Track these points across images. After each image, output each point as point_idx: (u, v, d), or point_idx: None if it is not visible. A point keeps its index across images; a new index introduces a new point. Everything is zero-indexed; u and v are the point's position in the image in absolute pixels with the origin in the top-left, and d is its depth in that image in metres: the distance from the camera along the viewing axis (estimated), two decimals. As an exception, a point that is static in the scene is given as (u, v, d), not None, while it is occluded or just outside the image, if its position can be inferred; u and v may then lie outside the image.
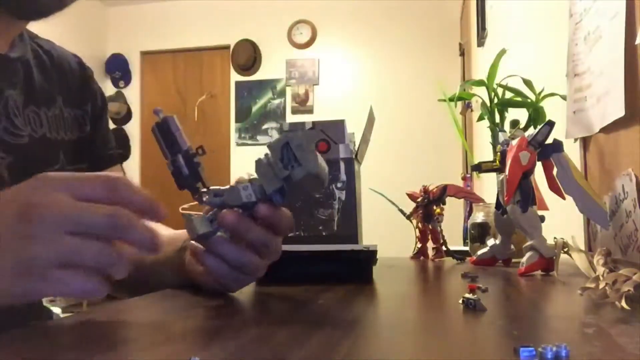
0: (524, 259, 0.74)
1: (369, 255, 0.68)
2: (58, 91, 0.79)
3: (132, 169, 4.94)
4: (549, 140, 0.77)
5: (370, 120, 0.87)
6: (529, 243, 0.75)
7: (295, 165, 0.49)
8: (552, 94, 1.08)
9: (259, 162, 0.51)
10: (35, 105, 0.74)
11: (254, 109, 4.99)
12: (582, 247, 0.88)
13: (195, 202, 0.60)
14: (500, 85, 1.13)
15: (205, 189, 0.52)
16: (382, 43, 4.79)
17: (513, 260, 0.89)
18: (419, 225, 1.04)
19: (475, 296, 0.46)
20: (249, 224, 0.51)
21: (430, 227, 1.03)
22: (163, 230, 0.73)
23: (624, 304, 0.44)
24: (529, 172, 0.77)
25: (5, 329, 0.39)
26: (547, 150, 0.77)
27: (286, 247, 0.71)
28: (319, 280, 0.63)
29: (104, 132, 0.87)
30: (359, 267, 0.69)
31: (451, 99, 1.25)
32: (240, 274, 0.55)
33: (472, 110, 3.15)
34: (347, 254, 0.68)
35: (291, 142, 0.49)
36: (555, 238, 0.76)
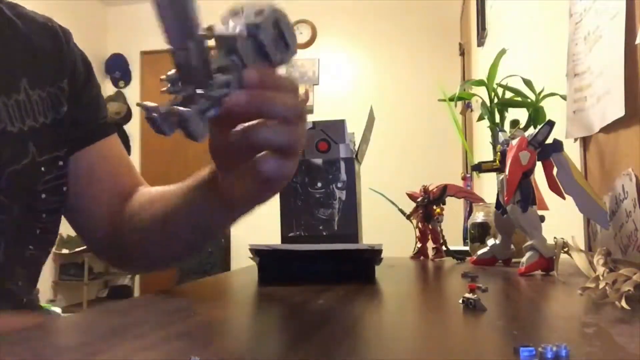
0: (524, 259, 0.74)
1: (374, 255, 0.68)
2: (22, 72, 0.66)
3: (132, 169, 4.95)
4: (549, 140, 0.77)
5: (370, 120, 0.87)
6: (529, 243, 0.75)
7: (284, 49, 0.43)
8: (552, 94, 1.08)
9: (243, 40, 0.42)
10: None
11: (254, 109, 4.98)
12: (582, 247, 0.88)
13: None
14: (500, 85, 1.13)
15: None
16: (382, 43, 4.79)
17: (513, 260, 0.88)
18: (419, 225, 1.04)
19: (475, 296, 0.46)
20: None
21: (430, 227, 1.03)
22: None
23: (624, 304, 0.44)
24: (529, 172, 0.77)
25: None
26: (547, 150, 0.77)
27: (287, 247, 0.71)
28: (320, 280, 0.63)
29: (91, 103, 0.75)
30: (362, 266, 0.69)
31: (451, 99, 1.25)
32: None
33: (472, 110, 3.15)
34: (353, 253, 0.68)
35: (281, 20, 0.42)
36: (555, 238, 0.75)
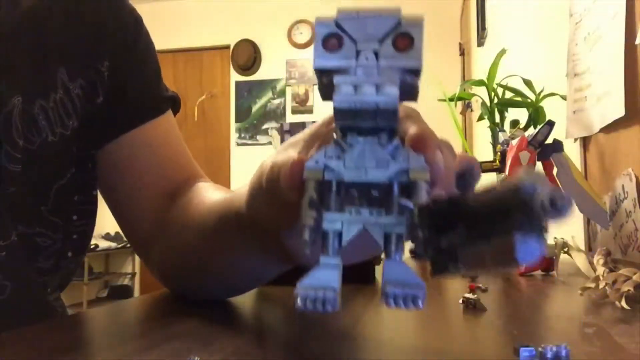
0: (524, 259, 0.74)
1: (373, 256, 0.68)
2: (59, 58, 0.53)
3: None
4: (549, 140, 0.77)
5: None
6: (529, 243, 0.75)
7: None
8: (552, 94, 1.09)
9: None
10: (29, 104, 0.50)
11: (254, 109, 4.99)
12: (582, 247, 0.88)
13: None
14: (500, 85, 1.13)
15: None
16: (382, 43, 4.80)
17: (513, 260, 0.88)
18: (419, 225, 1.04)
19: (475, 296, 0.46)
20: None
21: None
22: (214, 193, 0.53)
23: (624, 304, 0.44)
24: (529, 172, 0.77)
25: (20, 326, 0.39)
26: (547, 150, 0.77)
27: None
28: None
29: (133, 79, 0.59)
30: (362, 266, 0.69)
31: (451, 99, 1.25)
32: None
33: (472, 110, 3.15)
34: None
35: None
36: (555, 238, 0.75)
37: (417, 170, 0.24)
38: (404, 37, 0.24)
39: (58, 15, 0.54)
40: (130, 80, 0.59)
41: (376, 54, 0.24)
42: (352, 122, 0.24)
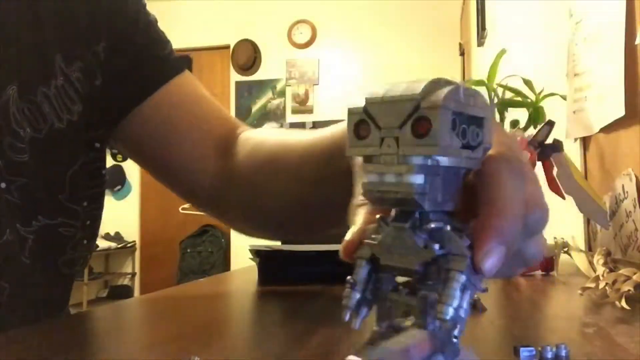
0: (524, 259, 0.74)
1: None
2: (54, 45, 0.53)
3: (132, 169, 4.94)
4: (549, 140, 0.77)
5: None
6: (529, 243, 0.75)
7: None
8: (552, 94, 1.08)
9: None
10: (30, 92, 0.50)
11: (254, 109, 4.99)
12: (582, 247, 0.88)
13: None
14: (500, 85, 1.13)
15: None
16: (382, 43, 4.80)
17: (513, 260, 0.88)
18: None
19: (476, 296, 0.46)
20: None
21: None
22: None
23: (624, 304, 0.44)
24: (529, 172, 0.77)
25: (33, 322, 0.39)
26: (547, 150, 0.77)
27: (287, 247, 0.71)
28: (320, 280, 0.63)
29: (138, 53, 0.59)
30: None
31: (451, 99, 1.25)
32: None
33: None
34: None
35: None
36: (555, 238, 0.75)
37: (453, 260, 0.23)
38: (422, 121, 0.23)
39: (53, 4, 0.54)
40: (137, 53, 0.59)
41: (398, 140, 0.23)
42: (382, 207, 0.25)
